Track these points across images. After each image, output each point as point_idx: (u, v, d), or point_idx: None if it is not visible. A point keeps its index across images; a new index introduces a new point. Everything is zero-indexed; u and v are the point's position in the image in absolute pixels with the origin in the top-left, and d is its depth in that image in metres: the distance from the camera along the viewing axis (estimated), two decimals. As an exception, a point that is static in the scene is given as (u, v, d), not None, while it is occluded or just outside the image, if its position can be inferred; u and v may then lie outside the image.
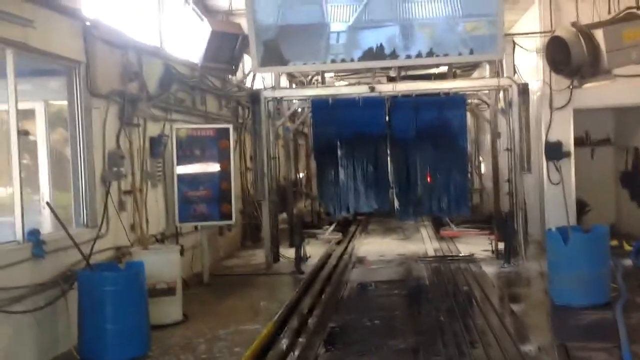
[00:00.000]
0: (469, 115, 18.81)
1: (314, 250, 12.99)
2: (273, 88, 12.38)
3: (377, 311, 8.42)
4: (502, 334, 7.05)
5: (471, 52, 9.15)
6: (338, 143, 12.82)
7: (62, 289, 6.71)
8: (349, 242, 14.79)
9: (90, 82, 7.81)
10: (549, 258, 8.35)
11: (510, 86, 11.53)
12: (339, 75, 16.58)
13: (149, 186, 9.49)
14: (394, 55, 9.42)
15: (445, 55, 9.34)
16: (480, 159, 19.77)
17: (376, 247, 14.20)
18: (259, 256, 12.39)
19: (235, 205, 10.64)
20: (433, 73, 14.08)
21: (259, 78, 14.34)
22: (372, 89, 11.72)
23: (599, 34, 9.86)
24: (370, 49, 9.30)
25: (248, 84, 14.42)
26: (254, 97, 11.85)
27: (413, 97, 12.19)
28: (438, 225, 15.75)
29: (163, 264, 7.93)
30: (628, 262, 10.53)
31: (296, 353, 6.75)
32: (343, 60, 10.00)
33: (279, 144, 16.19)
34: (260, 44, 9.30)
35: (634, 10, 10.38)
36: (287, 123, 14.39)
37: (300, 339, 7.20)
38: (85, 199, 7.76)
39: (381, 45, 9.37)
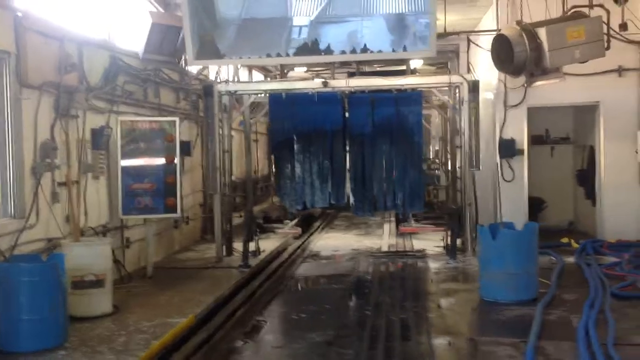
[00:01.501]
0: (435, 112, 19.02)
1: (272, 245, 13.03)
2: (227, 81, 12.38)
3: (309, 305, 8.44)
4: (422, 328, 7.08)
5: (405, 49, 9.13)
6: (295, 138, 12.88)
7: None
8: (308, 237, 14.82)
9: (21, 73, 7.79)
10: (480, 254, 8.40)
11: (462, 83, 11.57)
12: (312, 71, 16.50)
13: (89, 178, 9.46)
14: (328, 50, 9.39)
15: (379, 52, 9.31)
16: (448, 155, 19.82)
17: (333, 242, 14.24)
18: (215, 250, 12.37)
19: (180, 199, 10.62)
20: (394, 70, 14.06)
21: (223, 70, 14.27)
22: (325, 84, 11.74)
23: (542, 33, 9.91)
24: (305, 44, 9.28)
25: (212, 76, 14.38)
26: (207, 90, 11.84)
27: (369, 93, 12.28)
28: (402, 220, 15.87)
29: (92, 256, 7.91)
30: (571, 259, 10.62)
31: (210, 345, 6.77)
32: (279, 55, 9.97)
33: (241, 137, 16.23)
34: (196, 37, 9.26)
35: (580, 10, 10.42)
36: (241, 117, 14.36)
37: (220, 332, 7.21)
38: (13, 190, 7.74)
39: (316, 40, 9.33)
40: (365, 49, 9.20)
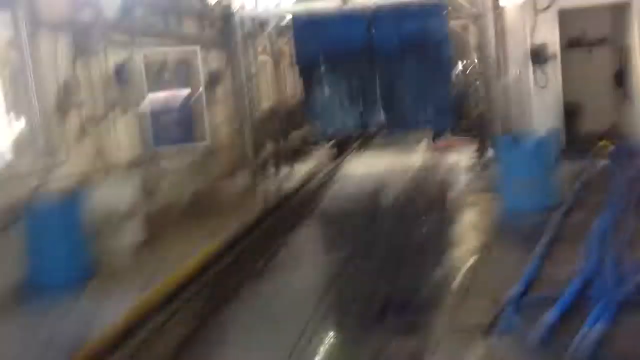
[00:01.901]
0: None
1: (306, 168, 13.24)
2: (242, 7, 12.26)
3: (330, 225, 8.64)
4: (437, 241, 7.20)
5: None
6: (321, 60, 12.89)
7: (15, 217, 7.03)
8: (343, 158, 14.89)
9: (35, 13, 7.91)
10: (499, 163, 8.36)
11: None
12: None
13: (116, 113, 9.64)
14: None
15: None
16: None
17: (367, 162, 14.24)
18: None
19: (208, 128, 10.75)
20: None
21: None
22: (345, 2, 11.55)
23: None
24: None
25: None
26: (226, 17, 11.82)
27: (392, 9, 12.10)
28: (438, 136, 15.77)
29: (121, 190, 8.20)
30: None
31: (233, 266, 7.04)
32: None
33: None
34: None
35: None
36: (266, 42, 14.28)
37: (243, 255, 7.48)
38: (40, 129, 8.00)
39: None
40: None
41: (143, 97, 10.24)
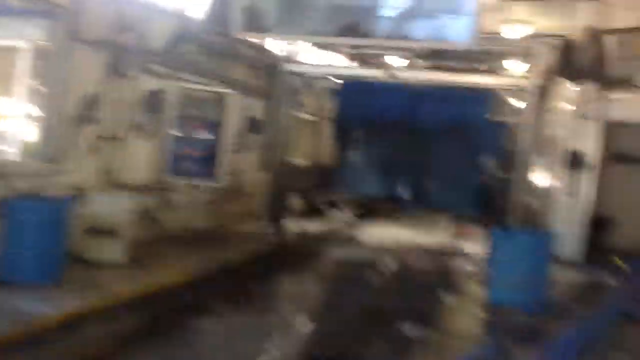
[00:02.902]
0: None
1: (318, 227, 13.13)
2: (293, 62, 12.51)
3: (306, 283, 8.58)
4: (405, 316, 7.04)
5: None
6: (357, 126, 13.07)
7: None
8: (358, 225, 14.62)
9: (74, 27, 8.25)
10: (492, 255, 8.15)
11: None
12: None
13: (138, 138, 9.83)
14: (369, 34, 8.94)
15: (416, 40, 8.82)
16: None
17: (381, 234, 13.83)
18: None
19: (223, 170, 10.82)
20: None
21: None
22: (392, 76, 11.69)
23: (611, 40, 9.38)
24: (347, 24, 8.94)
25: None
26: (270, 67, 12.11)
27: (438, 89, 12.24)
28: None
29: (111, 207, 8.29)
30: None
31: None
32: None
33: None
34: (240, 9, 9.18)
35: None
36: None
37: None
38: (53, 136, 8.25)
39: (357, 21, 8.99)
40: (404, 36, 8.76)
41: (168, 128, 10.45)
